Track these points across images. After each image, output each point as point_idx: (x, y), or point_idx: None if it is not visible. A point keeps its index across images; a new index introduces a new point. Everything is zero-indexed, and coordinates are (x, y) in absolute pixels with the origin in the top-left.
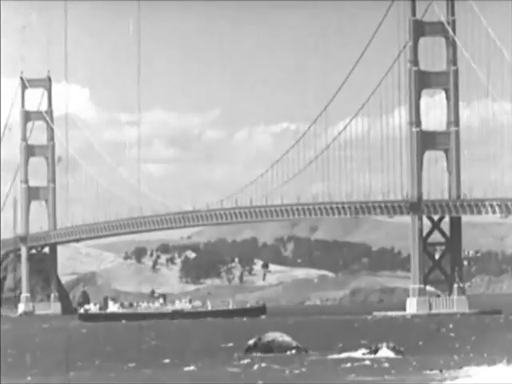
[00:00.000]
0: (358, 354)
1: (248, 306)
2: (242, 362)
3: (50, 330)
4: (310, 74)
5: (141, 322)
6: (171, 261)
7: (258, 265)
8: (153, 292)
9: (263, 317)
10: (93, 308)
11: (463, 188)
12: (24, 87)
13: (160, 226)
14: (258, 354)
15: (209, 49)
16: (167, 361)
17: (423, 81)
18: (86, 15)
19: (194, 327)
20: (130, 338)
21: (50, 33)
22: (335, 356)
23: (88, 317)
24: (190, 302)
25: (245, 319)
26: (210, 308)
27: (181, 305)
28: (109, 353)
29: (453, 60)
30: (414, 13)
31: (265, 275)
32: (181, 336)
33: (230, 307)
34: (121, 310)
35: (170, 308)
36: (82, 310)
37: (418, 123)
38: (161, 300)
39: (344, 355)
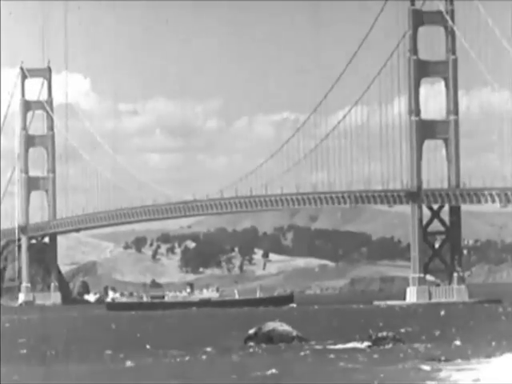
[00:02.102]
0: (361, 344)
1: (276, 294)
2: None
3: (86, 320)
4: (309, 63)
5: (168, 310)
6: (171, 250)
7: (258, 254)
8: (153, 282)
9: (293, 305)
10: (119, 297)
11: (463, 177)
12: (24, 77)
13: (160, 216)
14: (260, 344)
15: (209, 39)
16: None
17: (422, 70)
18: (86, 4)
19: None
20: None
21: (51, 22)
22: (337, 346)
23: (115, 306)
24: (218, 290)
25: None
26: (237, 297)
27: (208, 293)
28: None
29: (452, 49)
30: (413, 2)
31: (265, 264)
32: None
33: (257, 296)
34: (149, 300)
35: (197, 297)
36: (109, 299)
37: (418, 112)
38: (188, 289)
39: (347, 346)
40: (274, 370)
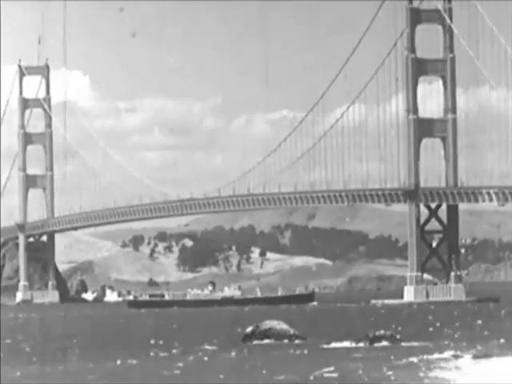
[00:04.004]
0: (358, 343)
1: (297, 292)
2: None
3: (119, 317)
4: (307, 62)
5: (191, 308)
6: (169, 249)
7: (255, 253)
8: (151, 280)
9: (314, 303)
10: (143, 295)
11: (460, 175)
12: (22, 75)
13: (158, 214)
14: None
15: (208, 36)
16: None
17: (420, 68)
18: (85, 2)
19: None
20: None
21: (49, 20)
22: (332, 345)
23: (137, 304)
24: (240, 288)
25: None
26: (259, 295)
27: (230, 292)
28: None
29: (449, 47)
30: (410, 0)
31: (262, 263)
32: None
33: (279, 294)
34: (171, 298)
35: (219, 295)
36: (131, 297)
37: (415, 111)
38: (210, 287)
39: (342, 344)
40: (331, 369)
